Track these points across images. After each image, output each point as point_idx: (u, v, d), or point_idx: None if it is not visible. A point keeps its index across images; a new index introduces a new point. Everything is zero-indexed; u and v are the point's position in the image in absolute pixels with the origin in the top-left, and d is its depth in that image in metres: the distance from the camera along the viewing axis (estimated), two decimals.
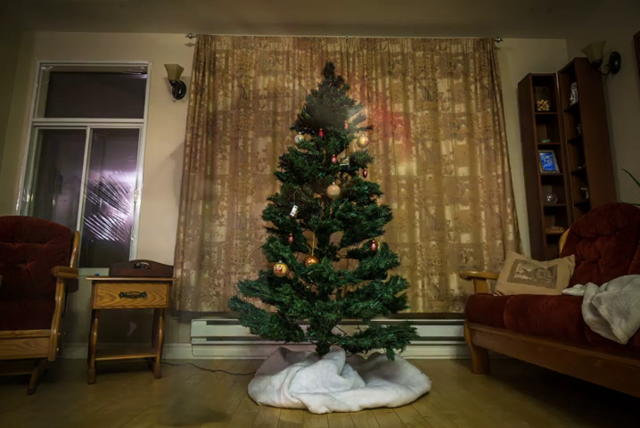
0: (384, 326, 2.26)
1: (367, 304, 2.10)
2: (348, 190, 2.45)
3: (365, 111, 3.56)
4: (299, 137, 2.54)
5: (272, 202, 2.79)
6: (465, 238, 3.40)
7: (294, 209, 2.34)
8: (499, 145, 3.49)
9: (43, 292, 2.77)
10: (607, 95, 3.33)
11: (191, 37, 3.68)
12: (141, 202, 3.53)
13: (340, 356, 2.26)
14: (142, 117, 3.69)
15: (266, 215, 2.40)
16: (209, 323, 3.25)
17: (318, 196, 2.49)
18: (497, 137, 3.51)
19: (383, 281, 2.35)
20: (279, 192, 3.35)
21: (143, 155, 3.59)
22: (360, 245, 3.02)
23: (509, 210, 3.36)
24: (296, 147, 2.54)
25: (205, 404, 2.06)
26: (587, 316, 1.55)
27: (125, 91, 3.82)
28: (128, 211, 3.67)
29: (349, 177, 2.52)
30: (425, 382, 2.24)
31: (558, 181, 3.48)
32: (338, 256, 2.55)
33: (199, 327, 3.24)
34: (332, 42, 3.66)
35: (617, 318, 1.42)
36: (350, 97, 2.64)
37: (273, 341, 3.25)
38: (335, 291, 2.49)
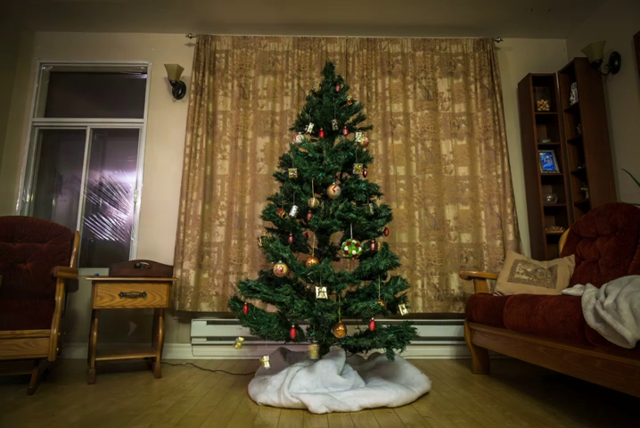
0: (384, 326, 2.26)
1: (367, 304, 2.10)
2: (346, 188, 2.45)
3: (365, 110, 3.56)
4: (301, 137, 2.54)
5: (272, 202, 2.79)
6: (465, 238, 3.40)
7: (294, 209, 2.34)
8: (499, 145, 3.49)
9: (43, 292, 2.77)
10: (607, 95, 3.33)
11: (191, 37, 3.68)
12: (141, 202, 3.53)
13: (340, 356, 2.26)
14: (142, 117, 3.69)
15: (266, 215, 2.40)
16: (209, 323, 3.25)
17: (318, 196, 2.49)
18: (497, 137, 3.51)
19: (384, 281, 2.35)
20: (277, 191, 3.35)
21: (143, 155, 3.59)
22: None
23: (509, 210, 3.36)
24: (297, 147, 2.54)
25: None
26: (590, 319, 1.55)
27: (125, 91, 3.82)
28: (128, 211, 3.67)
29: (349, 176, 2.52)
30: (425, 382, 2.24)
31: (558, 181, 3.48)
32: (338, 256, 2.55)
33: (199, 327, 3.24)
34: (332, 42, 3.66)
35: (624, 323, 1.42)
36: (350, 97, 2.64)
37: (273, 341, 3.25)
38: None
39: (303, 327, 3.22)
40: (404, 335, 2.18)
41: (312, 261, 2.26)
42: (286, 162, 2.57)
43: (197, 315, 3.37)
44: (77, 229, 3.54)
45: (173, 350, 3.29)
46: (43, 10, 3.44)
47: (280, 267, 2.20)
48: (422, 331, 3.26)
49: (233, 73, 3.60)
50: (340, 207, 2.31)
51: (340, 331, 2.12)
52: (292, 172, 2.40)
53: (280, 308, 2.27)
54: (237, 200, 3.41)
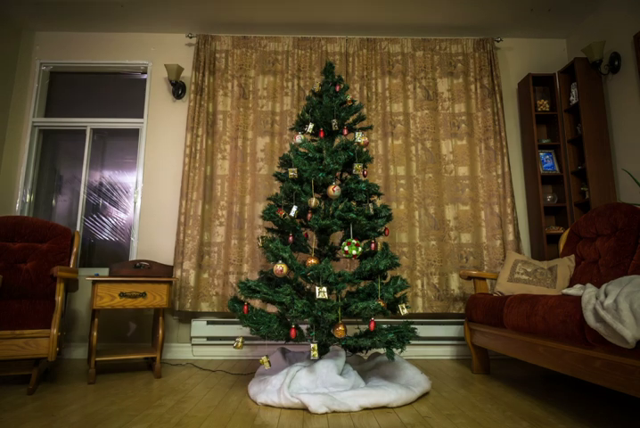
0: (384, 326, 2.26)
1: (367, 304, 2.10)
2: (346, 188, 2.45)
3: (365, 110, 3.56)
4: (301, 137, 2.54)
5: (272, 202, 2.79)
6: (465, 238, 3.40)
7: (294, 209, 2.34)
8: (499, 145, 3.49)
9: (43, 292, 2.77)
10: (607, 95, 3.33)
11: (191, 37, 3.68)
12: (141, 202, 3.53)
13: (340, 356, 2.26)
14: (142, 117, 3.70)
15: (266, 215, 2.40)
16: (209, 323, 3.25)
17: (318, 196, 2.49)
18: (497, 137, 3.51)
19: (384, 281, 2.35)
20: (277, 191, 3.35)
21: (143, 155, 3.59)
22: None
23: (509, 210, 3.36)
24: (297, 147, 2.54)
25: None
26: (590, 319, 1.55)
27: (125, 91, 3.82)
28: (128, 211, 3.67)
29: (349, 176, 2.52)
30: (425, 382, 2.24)
31: (558, 181, 3.48)
32: (338, 256, 2.55)
33: (199, 327, 3.24)
34: (332, 42, 3.66)
35: (624, 323, 1.42)
36: (350, 97, 2.64)
37: (273, 341, 3.25)
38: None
39: (303, 327, 3.22)
40: (404, 335, 2.18)
41: (312, 261, 2.26)
42: (286, 162, 2.57)
43: (197, 315, 3.37)
44: (77, 229, 3.54)
45: (173, 350, 3.29)
46: (43, 10, 3.44)
47: (280, 267, 2.20)
48: (422, 331, 3.26)
49: (233, 73, 3.60)
50: (340, 207, 2.31)
51: (340, 331, 2.12)
52: (292, 172, 2.40)
53: (280, 308, 2.27)
54: (237, 200, 3.41)
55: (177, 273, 3.23)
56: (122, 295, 2.62)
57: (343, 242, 2.27)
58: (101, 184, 3.70)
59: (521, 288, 2.62)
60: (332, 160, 2.40)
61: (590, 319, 1.55)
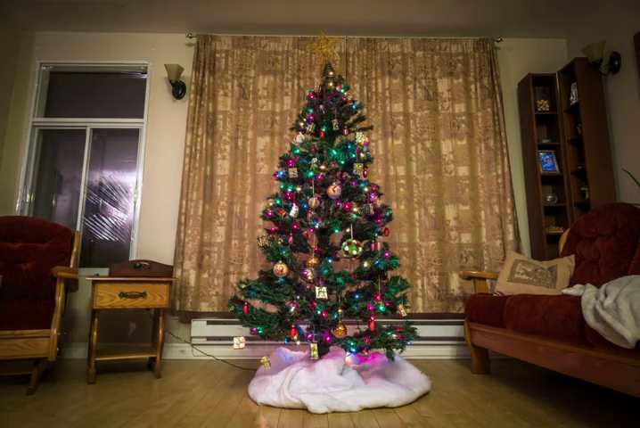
0: (384, 326, 2.26)
1: (367, 304, 2.10)
2: (346, 188, 2.45)
3: (365, 110, 3.56)
4: (301, 137, 2.54)
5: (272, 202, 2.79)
6: (465, 238, 3.40)
7: (294, 209, 2.34)
8: (499, 145, 3.49)
9: (43, 292, 2.77)
10: (607, 95, 3.33)
11: (191, 37, 3.68)
12: (141, 202, 3.53)
13: (340, 356, 2.26)
14: (142, 117, 3.69)
15: (267, 215, 2.40)
16: (209, 323, 3.25)
17: (318, 196, 2.49)
18: (497, 137, 3.51)
19: (384, 281, 2.35)
20: (278, 191, 3.35)
21: (143, 155, 3.59)
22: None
23: (509, 210, 3.36)
24: (297, 147, 2.54)
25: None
26: (590, 319, 1.55)
27: (125, 91, 3.82)
28: (128, 211, 3.67)
29: (349, 176, 2.52)
30: (425, 382, 2.24)
31: (558, 181, 3.48)
32: (338, 256, 2.55)
33: (199, 327, 3.24)
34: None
35: (624, 323, 1.42)
36: (350, 97, 2.64)
37: (273, 341, 3.25)
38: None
39: (303, 327, 3.22)
40: (404, 335, 2.18)
41: (312, 261, 2.26)
42: (286, 162, 2.57)
43: (197, 315, 3.37)
44: (77, 229, 3.54)
45: (173, 350, 3.29)
46: (43, 10, 3.44)
47: (280, 267, 2.20)
48: (422, 331, 3.26)
49: (233, 73, 3.60)
50: (341, 207, 2.31)
51: (340, 331, 2.12)
52: (293, 172, 2.40)
53: (280, 308, 2.27)
54: (237, 200, 3.41)
55: (177, 273, 3.23)
56: (122, 295, 2.62)
57: (343, 243, 2.27)
58: (101, 184, 3.70)
59: (521, 288, 2.62)
60: (333, 160, 2.40)
61: (590, 319, 1.55)
